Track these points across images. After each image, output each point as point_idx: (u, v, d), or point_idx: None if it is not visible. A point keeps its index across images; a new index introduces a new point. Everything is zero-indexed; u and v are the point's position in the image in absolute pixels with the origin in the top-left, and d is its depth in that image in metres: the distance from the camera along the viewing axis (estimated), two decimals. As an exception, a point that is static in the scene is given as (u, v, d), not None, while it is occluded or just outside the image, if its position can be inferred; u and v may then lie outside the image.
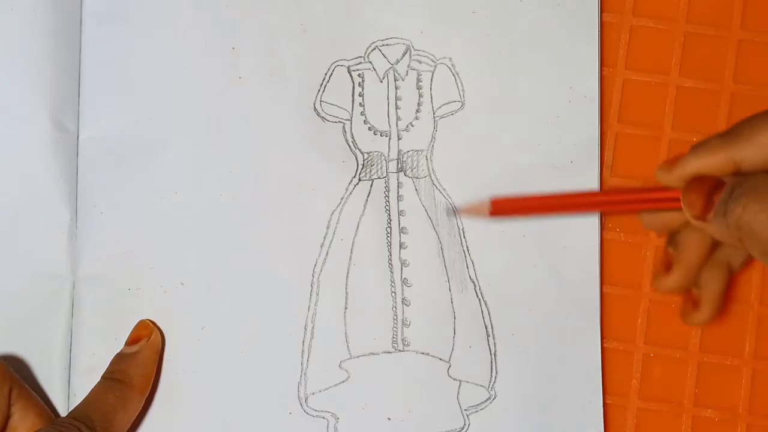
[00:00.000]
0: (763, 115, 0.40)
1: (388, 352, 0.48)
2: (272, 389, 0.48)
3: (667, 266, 0.43)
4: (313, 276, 0.48)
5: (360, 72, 0.49)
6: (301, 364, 0.48)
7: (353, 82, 0.49)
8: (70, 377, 0.47)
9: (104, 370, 0.46)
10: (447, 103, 0.49)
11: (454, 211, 0.47)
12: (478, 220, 0.45)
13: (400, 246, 0.49)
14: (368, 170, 0.49)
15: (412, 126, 0.49)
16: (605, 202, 0.43)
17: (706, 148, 0.41)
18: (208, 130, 0.49)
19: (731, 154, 0.40)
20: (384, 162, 0.49)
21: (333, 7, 0.50)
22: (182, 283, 0.48)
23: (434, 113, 0.49)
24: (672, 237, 0.43)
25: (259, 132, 0.49)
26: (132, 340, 0.47)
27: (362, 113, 0.49)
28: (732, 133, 0.40)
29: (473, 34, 0.50)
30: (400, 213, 0.49)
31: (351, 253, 0.48)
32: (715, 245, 0.43)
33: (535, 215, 0.43)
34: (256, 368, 0.48)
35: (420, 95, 0.49)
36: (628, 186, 0.47)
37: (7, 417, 0.44)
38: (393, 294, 0.48)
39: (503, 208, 0.42)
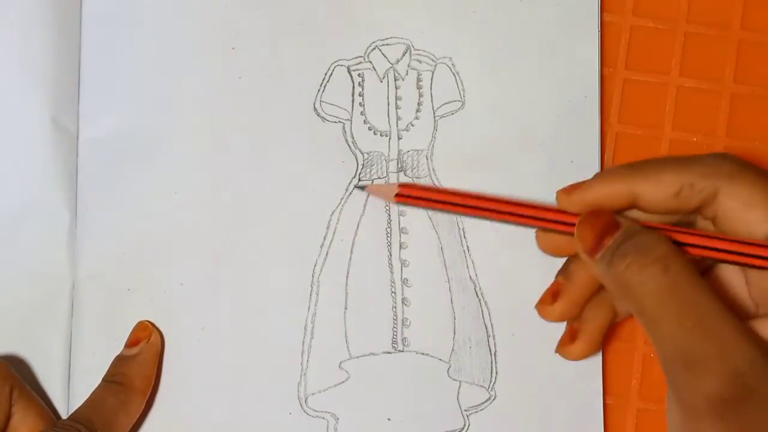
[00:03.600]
0: (672, 157, 0.40)
1: (388, 353, 0.48)
2: (272, 389, 0.48)
3: (554, 295, 0.43)
4: (313, 276, 0.48)
5: (360, 72, 0.49)
6: (301, 364, 0.48)
7: (353, 82, 0.49)
8: (70, 377, 0.47)
9: (105, 372, 0.46)
10: (447, 103, 0.49)
11: (362, 188, 0.47)
12: (386, 201, 0.46)
13: (400, 246, 0.49)
14: (368, 170, 0.49)
15: (412, 126, 0.49)
16: (506, 211, 0.42)
17: (609, 175, 0.41)
18: (208, 130, 0.49)
19: (632, 186, 0.40)
20: (384, 162, 0.49)
21: (333, 7, 0.50)
22: (182, 283, 0.48)
23: (434, 113, 0.49)
24: (565, 266, 0.43)
25: (259, 132, 0.49)
26: (131, 342, 0.47)
27: (362, 113, 0.49)
28: (637, 166, 0.40)
29: (473, 34, 0.50)
30: (400, 213, 0.49)
31: (351, 253, 0.48)
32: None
33: (436, 209, 0.43)
34: (256, 368, 0.48)
35: (420, 95, 0.49)
36: (532, 203, 0.44)
37: (8, 417, 0.44)
38: (393, 294, 0.48)
39: (409, 194, 0.42)
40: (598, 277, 0.40)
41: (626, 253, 0.38)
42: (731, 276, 0.41)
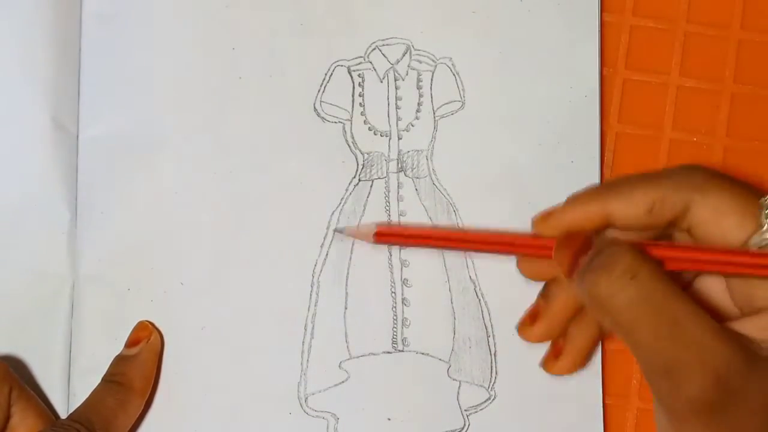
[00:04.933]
0: (643, 174, 0.40)
1: (388, 352, 0.48)
2: (272, 389, 0.48)
3: (533, 317, 0.43)
4: (313, 276, 0.48)
5: (360, 72, 0.49)
6: (301, 364, 0.48)
7: (353, 82, 0.49)
8: (70, 378, 0.47)
9: (104, 372, 0.46)
10: (447, 103, 0.49)
11: (341, 231, 0.47)
12: (364, 243, 0.46)
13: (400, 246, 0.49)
14: (368, 170, 0.49)
15: (413, 126, 0.49)
16: (485, 242, 0.43)
17: (581, 198, 0.41)
18: (208, 130, 0.49)
19: (605, 206, 0.40)
20: (384, 162, 0.49)
21: (333, 7, 0.50)
22: (182, 283, 0.48)
23: (434, 113, 0.49)
24: (545, 287, 0.43)
25: (259, 132, 0.49)
26: (131, 342, 0.47)
27: (362, 113, 0.49)
28: (609, 186, 0.40)
29: (473, 34, 0.50)
30: (401, 213, 0.49)
31: (351, 253, 0.48)
32: None
33: (417, 246, 0.45)
34: (256, 368, 0.48)
35: (420, 95, 0.49)
36: (510, 232, 0.45)
37: (7, 418, 0.44)
38: (393, 294, 0.48)
39: (387, 235, 0.43)
40: (577, 297, 0.40)
41: (595, 267, 0.37)
42: (712, 284, 0.41)
